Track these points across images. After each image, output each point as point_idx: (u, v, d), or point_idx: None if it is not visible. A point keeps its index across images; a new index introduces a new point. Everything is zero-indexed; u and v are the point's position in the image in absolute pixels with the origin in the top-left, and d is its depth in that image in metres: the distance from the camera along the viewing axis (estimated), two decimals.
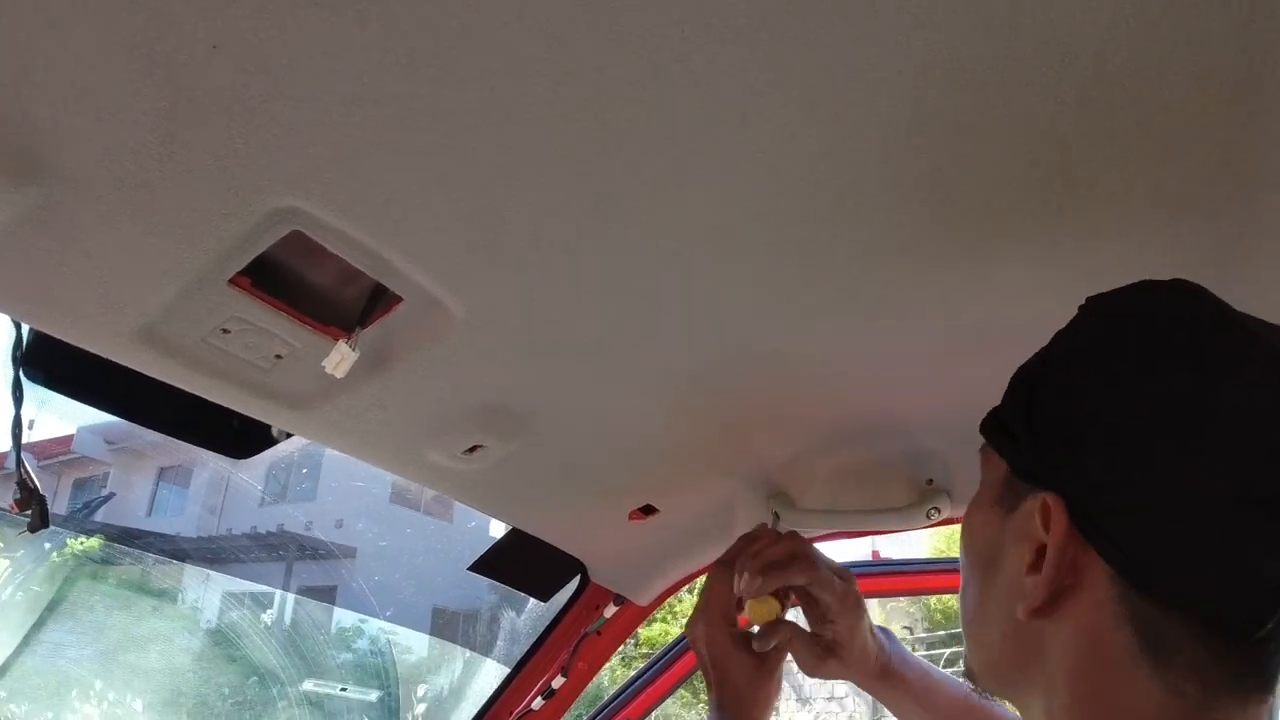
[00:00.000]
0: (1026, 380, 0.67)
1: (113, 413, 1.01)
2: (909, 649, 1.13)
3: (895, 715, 1.10)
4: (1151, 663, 0.55)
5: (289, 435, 1.05)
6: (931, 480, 1.26)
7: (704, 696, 1.13)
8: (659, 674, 2.01)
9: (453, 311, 0.82)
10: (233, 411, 0.93)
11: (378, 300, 0.82)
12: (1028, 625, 0.61)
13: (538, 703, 1.77)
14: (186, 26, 0.53)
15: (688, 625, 1.16)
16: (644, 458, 1.19)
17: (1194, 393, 0.55)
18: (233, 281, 0.75)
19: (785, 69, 0.59)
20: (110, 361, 0.81)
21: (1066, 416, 0.61)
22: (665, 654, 2.04)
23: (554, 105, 0.61)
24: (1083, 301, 0.67)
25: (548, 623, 1.78)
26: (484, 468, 1.12)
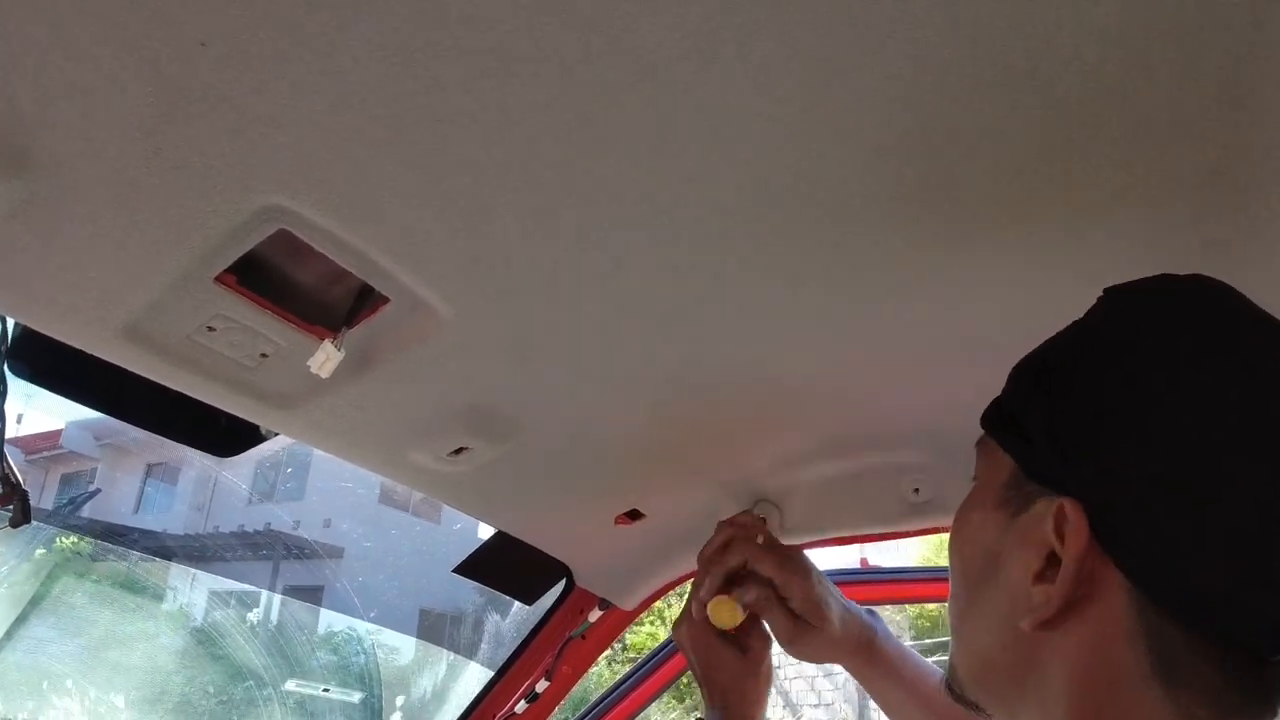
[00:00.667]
0: (1040, 373, 0.63)
1: (98, 409, 1.00)
2: None
3: (878, 699, 1.08)
4: (1163, 683, 0.52)
5: (277, 434, 1.05)
6: (918, 488, 1.26)
7: (688, 701, 1.13)
8: (644, 679, 2.01)
9: (439, 313, 0.82)
10: (220, 409, 0.93)
11: (364, 300, 0.81)
12: (1029, 637, 0.58)
13: (521, 706, 1.76)
14: (175, 23, 0.53)
15: (673, 627, 1.16)
16: (630, 462, 1.19)
17: (1239, 399, 0.52)
18: (219, 279, 0.75)
19: (773, 77, 0.60)
20: (96, 357, 0.81)
21: (1092, 416, 0.56)
22: (650, 659, 2.04)
23: (541, 109, 0.61)
24: (1072, 306, 0.64)
25: (532, 626, 1.77)
26: (470, 470, 1.11)
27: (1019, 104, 0.62)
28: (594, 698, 2.09)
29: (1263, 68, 0.60)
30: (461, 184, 0.67)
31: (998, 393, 0.68)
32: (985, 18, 0.56)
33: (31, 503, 0.94)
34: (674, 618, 1.16)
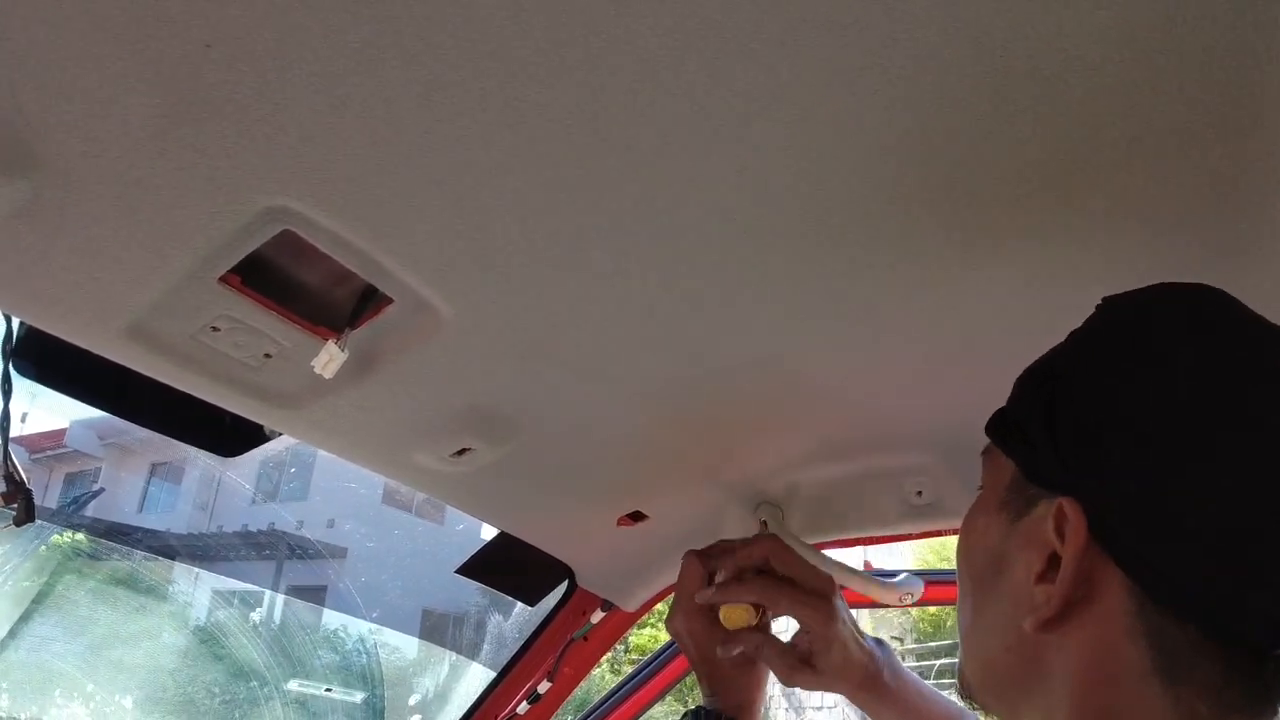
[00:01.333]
0: (1043, 380, 0.63)
1: (102, 408, 1.00)
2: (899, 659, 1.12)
3: None
4: (1163, 680, 0.53)
5: (280, 434, 1.05)
6: (920, 491, 1.26)
7: (690, 704, 1.13)
8: (646, 680, 2.01)
9: (443, 314, 0.82)
10: (224, 409, 0.93)
11: (368, 301, 0.81)
12: (1033, 638, 0.59)
13: (523, 707, 1.76)
14: (180, 25, 0.53)
15: (668, 619, 1.15)
16: (633, 464, 1.19)
17: (1232, 402, 0.53)
18: (223, 280, 0.75)
19: (777, 80, 0.60)
20: (100, 357, 0.81)
21: (1091, 420, 0.57)
22: (653, 660, 2.03)
23: (545, 110, 0.61)
24: (1075, 311, 0.65)
25: (534, 627, 1.77)
26: (472, 471, 1.11)
27: (1021, 108, 0.63)
28: (596, 699, 2.09)
29: (1265, 73, 0.60)
30: (464, 185, 0.68)
31: (1001, 395, 0.69)
32: (987, 20, 0.56)
33: (36, 501, 0.94)
34: None
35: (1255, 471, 0.51)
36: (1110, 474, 0.55)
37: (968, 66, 0.59)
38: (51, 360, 0.91)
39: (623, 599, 1.65)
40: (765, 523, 1.31)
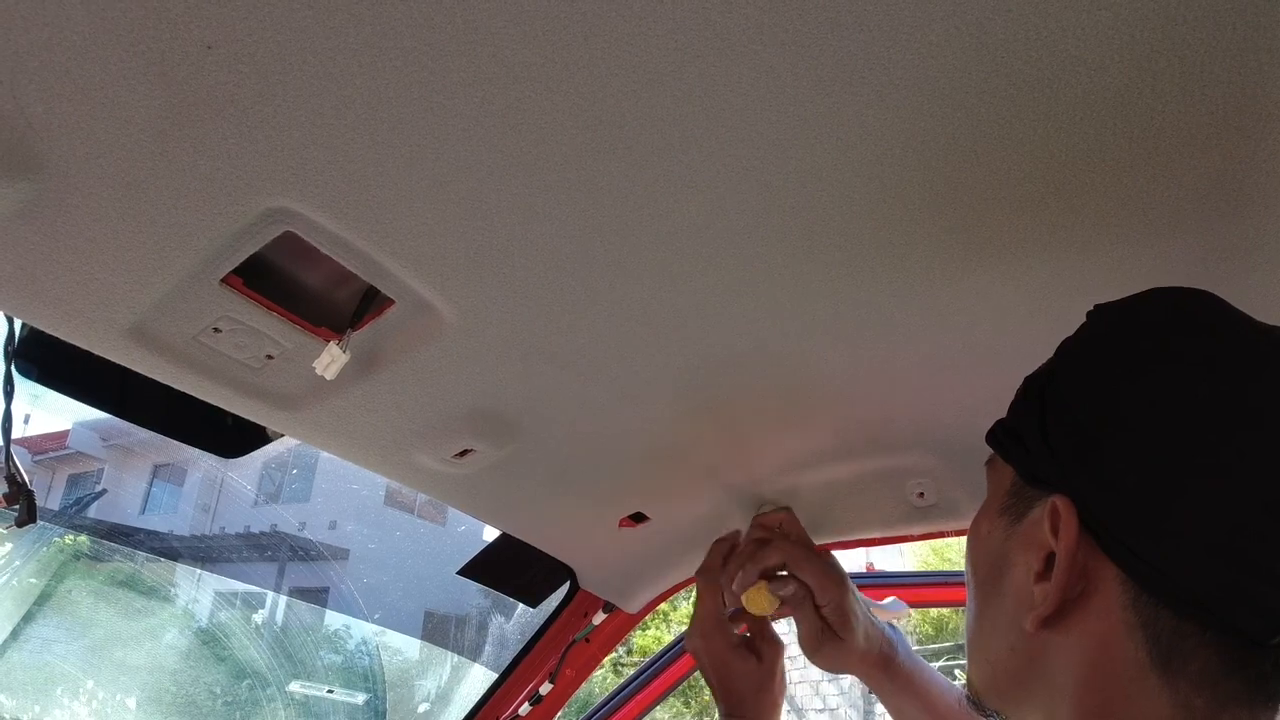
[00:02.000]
0: (1036, 388, 0.65)
1: (104, 409, 1.00)
2: None
3: (893, 714, 1.09)
4: (1161, 673, 0.53)
5: (283, 435, 1.05)
6: (922, 492, 1.26)
7: (693, 705, 1.13)
8: (648, 682, 2.01)
9: (444, 315, 0.82)
10: (226, 410, 0.93)
11: (369, 302, 0.82)
12: (1034, 637, 0.60)
13: (525, 709, 1.76)
14: (182, 26, 0.53)
15: (686, 638, 1.17)
16: (634, 465, 1.19)
17: (1219, 396, 0.53)
18: (225, 281, 0.75)
19: (780, 82, 0.60)
20: (102, 358, 0.81)
21: (1079, 421, 0.59)
22: (654, 662, 2.03)
23: (547, 111, 0.61)
24: (1076, 315, 0.66)
25: (536, 629, 1.77)
26: (474, 472, 1.12)
27: (1023, 108, 0.63)
28: (598, 701, 2.09)
29: (1266, 74, 0.60)
30: (466, 186, 0.68)
31: (1003, 396, 0.70)
32: (989, 20, 0.56)
33: (38, 503, 0.94)
34: (678, 620, 1.16)
35: (1244, 466, 0.52)
36: (1100, 470, 0.56)
37: (970, 67, 0.59)
38: (53, 361, 0.91)
39: (624, 600, 1.65)
40: (793, 516, 1.31)
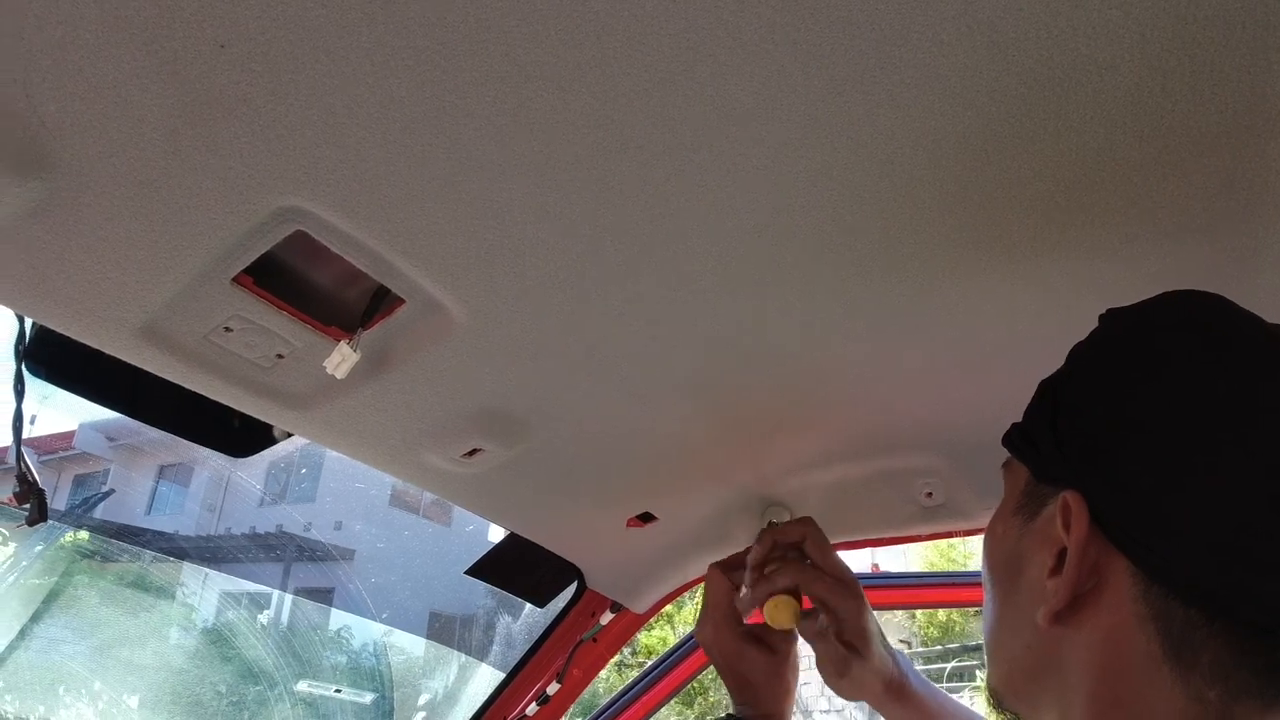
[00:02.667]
0: (1050, 391, 0.66)
1: (114, 409, 1.01)
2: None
3: None
4: (1173, 666, 0.53)
5: (290, 434, 1.05)
6: (930, 492, 1.26)
7: (697, 706, 1.13)
8: (654, 682, 2.01)
9: (454, 315, 0.82)
10: (234, 410, 0.94)
11: (380, 302, 0.82)
12: (1048, 633, 0.60)
13: (532, 709, 1.76)
14: (194, 25, 0.54)
15: (696, 629, 1.16)
16: (643, 465, 1.19)
17: (1228, 396, 0.54)
18: (236, 280, 0.75)
19: (791, 82, 0.60)
20: (112, 357, 0.82)
21: (1090, 418, 0.60)
22: (661, 662, 2.03)
23: (558, 111, 0.61)
24: (1086, 315, 0.66)
25: (544, 628, 1.77)
26: (482, 472, 1.12)
27: (1034, 108, 0.63)
28: (604, 701, 2.09)
29: (1277, 76, 0.60)
30: (477, 186, 0.68)
31: (1011, 396, 0.71)
32: (1000, 19, 0.56)
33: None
34: (683, 621, 1.15)
35: (1251, 464, 0.52)
36: (1110, 466, 0.57)
37: (981, 67, 0.59)
38: (63, 361, 0.91)
39: (632, 600, 1.65)
40: (774, 524, 1.31)
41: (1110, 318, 0.65)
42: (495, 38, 0.56)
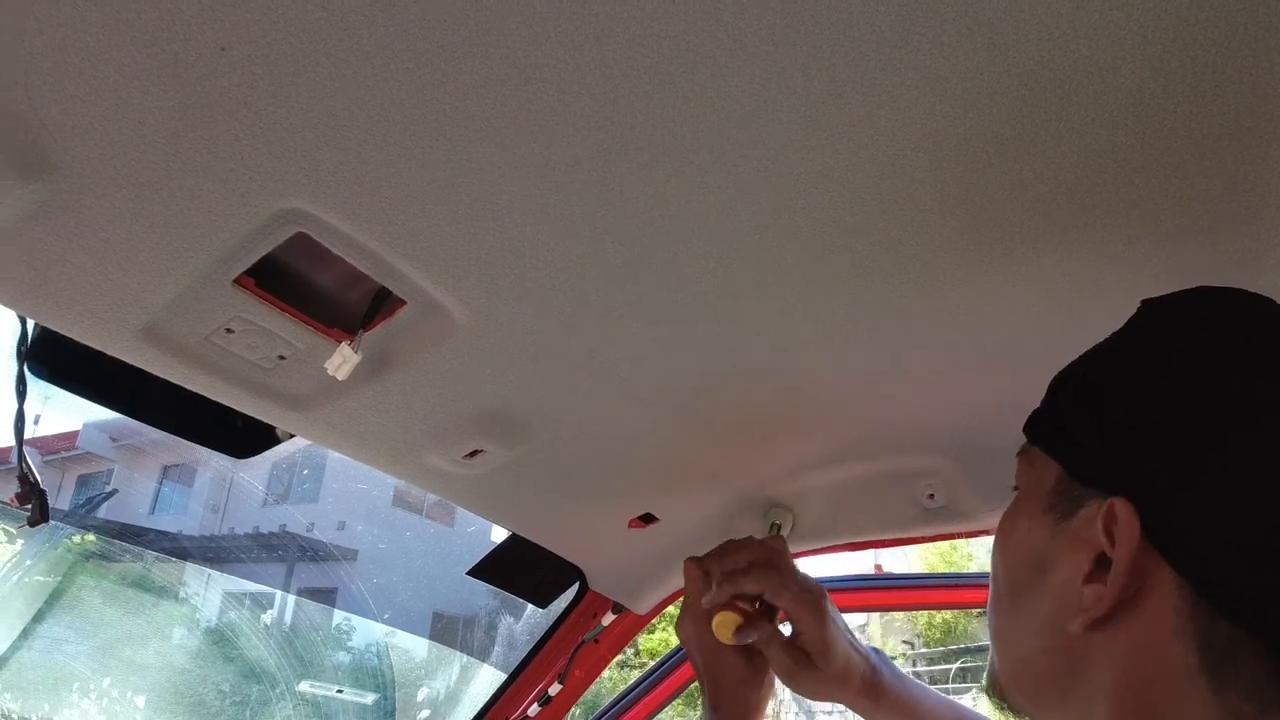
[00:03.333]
0: (1086, 382, 0.64)
1: (116, 409, 1.01)
2: (909, 664, 1.11)
3: None
4: (1209, 680, 0.52)
5: (292, 435, 1.05)
6: (932, 494, 1.26)
7: (698, 709, 1.13)
8: (656, 684, 2.01)
9: (456, 316, 0.82)
10: (236, 410, 0.94)
11: (381, 303, 0.82)
12: (1079, 638, 0.59)
13: (534, 709, 1.76)
14: (195, 28, 0.54)
15: (678, 624, 1.15)
16: (644, 466, 1.19)
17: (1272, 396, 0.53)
18: (237, 282, 0.75)
19: (791, 84, 0.60)
20: (114, 358, 0.82)
21: (1140, 420, 0.57)
22: (663, 664, 2.03)
23: (559, 113, 0.61)
24: (1088, 315, 0.66)
25: (545, 629, 1.77)
26: (484, 473, 1.12)
27: (1035, 109, 0.63)
28: (606, 702, 2.09)
29: (1276, 72, 0.60)
30: (478, 188, 0.68)
31: (1013, 397, 0.69)
32: (1001, 20, 0.56)
33: (49, 502, 0.95)
34: None
35: (1257, 470, 0.51)
36: (1162, 473, 0.55)
37: (982, 68, 0.59)
38: (65, 362, 0.91)
39: (633, 601, 1.65)
40: (777, 525, 1.31)
41: (1151, 311, 0.63)
42: (496, 40, 0.56)
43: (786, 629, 1.06)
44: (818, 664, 1.02)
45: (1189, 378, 0.56)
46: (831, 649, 1.01)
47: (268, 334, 0.82)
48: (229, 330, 0.81)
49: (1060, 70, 0.60)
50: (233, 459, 1.14)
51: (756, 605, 1.08)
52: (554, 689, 1.75)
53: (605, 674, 1.88)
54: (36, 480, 0.93)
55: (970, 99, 0.62)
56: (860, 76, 0.59)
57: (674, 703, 2.07)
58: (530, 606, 1.70)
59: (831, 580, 1.83)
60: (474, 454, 1.07)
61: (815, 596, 1.04)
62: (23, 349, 0.90)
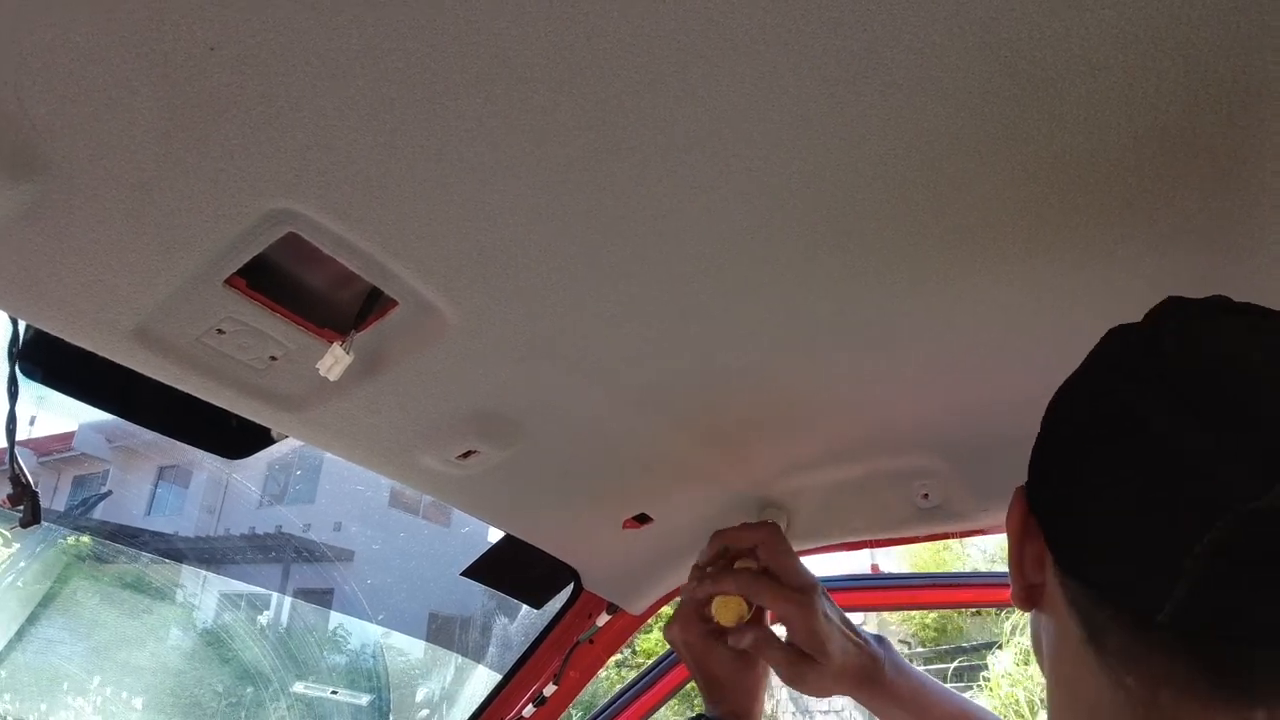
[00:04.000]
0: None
1: (109, 411, 1.00)
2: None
3: None
4: (1094, 652, 0.56)
5: (286, 436, 1.05)
6: (927, 494, 1.26)
7: (698, 706, 1.13)
8: (652, 683, 2.01)
9: (448, 317, 0.82)
10: (230, 411, 0.93)
11: (373, 304, 0.82)
12: (1033, 616, 0.66)
13: (529, 710, 1.76)
14: (184, 28, 0.53)
15: (666, 629, 1.15)
16: (638, 466, 1.19)
17: (1110, 410, 0.57)
18: (228, 282, 0.75)
19: (782, 83, 0.60)
20: (107, 359, 0.82)
21: (1048, 424, 0.64)
22: (658, 664, 2.03)
23: (550, 112, 0.61)
24: (1080, 315, 0.67)
25: (540, 630, 1.77)
26: (478, 473, 1.12)
27: (1025, 109, 0.63)
28: (602, 702, 2.09)
29: (1270, 74, 0.60)
30: (468, 188, 0.68)
31: (1007, 399, 0.71)
32: (991, 19, 0.56)
33: (44, 504, 0.94)
34: None
35: (1126, 468, 0.54)
36: (1039, 462, 0.63)
37: (974, 67, 0.59)
38: (57, 363, 0.91)
39: (628, 602, 1.65)
40: (773, 529, 1.30)
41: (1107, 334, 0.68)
42: (486, 40, 0.56)
43: (781, 630, 1.06)
44: (816, 658, 1.02)
45: (1081, 397, 0.62)
46: (826, 645, 1.01)
47: (259, 335, 0.82)
48: (220, 331, 0.81)
49: (1052, 70, 0.60)
50: (227, 460, 1.14)
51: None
52: (549, 689, 1.75)
53: (603, 674, 1.88)
54: (29, 482, 0.92)
55: (962, 98, 0.62)
56: (852, 76, 0.59)
57: (670, 701, 2.07)
58: (525, 607, 1.70)
59: (827, 580, 1.83)
60: (467, 454, 1.06)
61: (805, 593, 1.03)
62: (14, 350, 0.89)
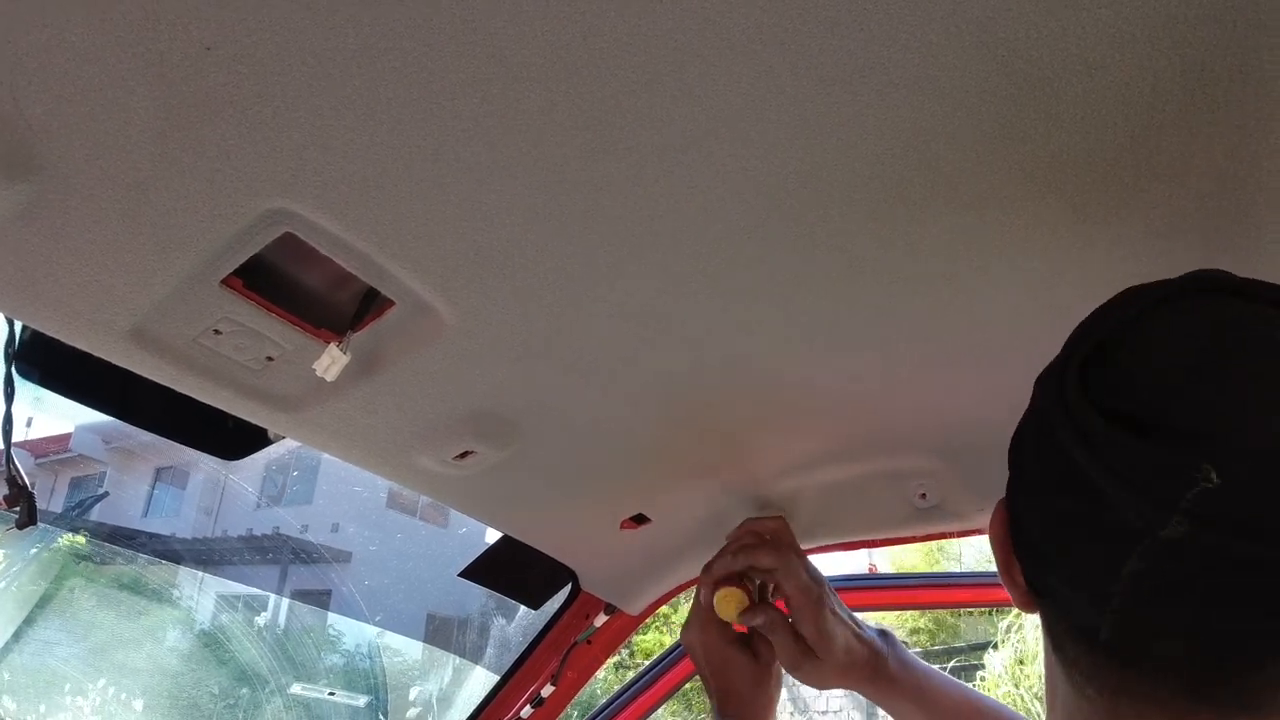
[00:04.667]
0: None
1: (105, 411, 1.00)
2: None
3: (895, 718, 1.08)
4: (1059, 661, 0.59)
5: (283, 437, 1.05)
6: (924, 494, 1.26)
7: (696, 707, 1.13)
8: (650, 684, 2.01)
9: (444, 317, 0.82)
10: (227, 412, 0.93)
11: (369, 304, 0.81)
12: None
13: (527, 711, 1.76)
14: (180, 27, 0.53)
15: (682, 632, 1.15)
16: (635, 467, 1.19)
17: (1049, 448, 0.58)
18: (225, 283, 0.75)
19: (779, 82, 0.60)
20: (103, 360, 0.81)
21: (1011, 440, 0.65)
22: (656, 664, 2.03)
23: (546, 112, 0.61)
24: (1076, 317, 0.66)
25: (538, 631, 1.77)
26: (475, 474, 1.11)
27: (1023, 107, 0.63)
28: (600, 702, 2.09)
29: (1267, 72, 0.60)
30: (465, 188, 0.68)
31: (1005, 398, 0.71)
32: (989, 19, 0.56)
33: (41, 505, 0.94)
34: (679, 621, 1.15)
35: (1060, 500, 0.56)
36: (1009, 484, 0.64)
37: (971, 66, 0.59)
38: (54, 364, 0.91)
39: (626, 602, 1.65)
40: (786, 525, 1.30)
41: None
42: (482, 39, 0.56)
43: None
44: (819, 653, 1.03)
45: (1029, 419, 0.63)
46: (830, 641, 1.02)
47: (256, 335, 0.82)
48: (217, 331, 0.80)
49: (1049, 69, 0.60)
50: (224, 461, 1.14)
51: (755, 585, 1.09)
52: (546, 690, 1.74)
53: (601, 674, 1.88)
54: (25, 482, 0.92)
55: (959, 98, 0.62)
56: (849, 75, 0.59)
57: (669, 703, 2.07)
58: (523, 608, 1.70)
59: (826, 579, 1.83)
60: (464, 455, 1.06)
61: (817, 588, 1.05)
62: (11, 351, 0.89)
